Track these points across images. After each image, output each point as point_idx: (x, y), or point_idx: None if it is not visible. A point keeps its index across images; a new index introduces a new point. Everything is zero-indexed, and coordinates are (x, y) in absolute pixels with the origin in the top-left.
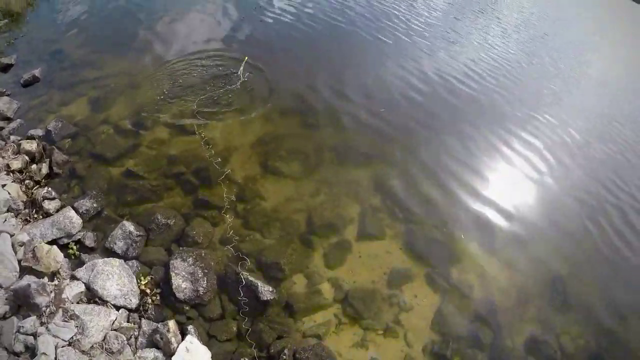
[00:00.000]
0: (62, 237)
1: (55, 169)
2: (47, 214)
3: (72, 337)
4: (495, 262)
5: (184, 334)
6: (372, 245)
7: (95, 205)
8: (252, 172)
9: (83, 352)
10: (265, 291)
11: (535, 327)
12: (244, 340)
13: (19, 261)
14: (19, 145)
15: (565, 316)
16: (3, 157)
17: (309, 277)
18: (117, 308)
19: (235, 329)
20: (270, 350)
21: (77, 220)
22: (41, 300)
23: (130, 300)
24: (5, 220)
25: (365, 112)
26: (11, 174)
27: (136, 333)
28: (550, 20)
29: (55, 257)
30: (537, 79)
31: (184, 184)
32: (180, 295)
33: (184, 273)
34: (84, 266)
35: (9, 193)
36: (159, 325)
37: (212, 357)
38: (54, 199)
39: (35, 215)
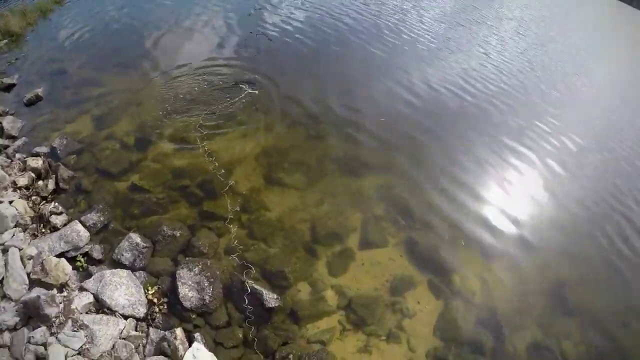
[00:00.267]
0: (69, 250)
1: (61, 185)
2: (54, 228)
3: (81, 346)
4: (497, 269)
5: (191, 341)
6: (375, 253)
7: (101, 218)
8: (256, 184)
9: None
10: (270, 299)
11: (537, 333)
12: (249, 347)
13: (28, 274)
14: (24, 162)
15: (567, 322)
16: (9, 175)
17: (313, 284)
18: (125, 317)
19: (241, 336)
20: (276, 356)
21: (85, 233)
22: (51, 311)
23: (138, 309)
24: (14, 235)
25: (366, 122)
26: (18, 191)
27: (144, 341)
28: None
29: (63, 270)
30: (537, 86)
31: (189, 196)
32: (187, 304)
33: (190, 282)
34: (92, 277)
35: (16, 209)
36: (166, 334)
37: None
38: (61, 213)
39: (43, 230)
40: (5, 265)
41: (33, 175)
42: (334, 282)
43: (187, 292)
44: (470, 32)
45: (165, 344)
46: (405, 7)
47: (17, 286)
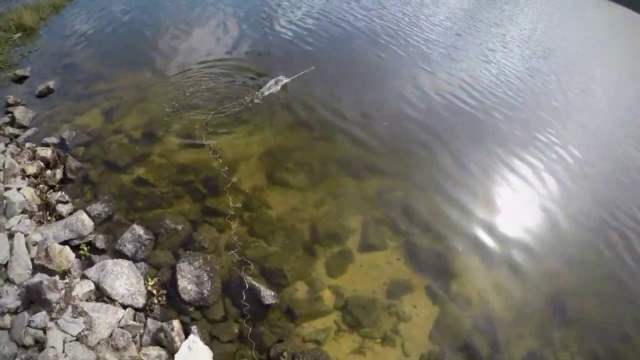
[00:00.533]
0: (74, 239)
1: (69, 175)
2: (60, 217)
3: (80, 333)
4: (496, 277)
5: (187, 333)
6: (373, 256)
7: (106, 209)
8: (259, 182)
9: (90, 347)
10: (268, 295)
11: (534, 343)
12: (245, 342)
13: (32, 260)
14: (34, 151)
15: (565, 332)
16: (19, 163)
17: (310, 284)
18: (125, 307)
19: (237, 331)
20: (270, 352)
21: (89, 223)
22: (52, 296)
23: (137, 299)
24: (20, 221)
25: (370, 126)
26: (26, 179)
27: (142, 331)
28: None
29: (67, 257)
30: (537, 96)
31: (192, 191)
32: (185, 297)
33: (189, 276)
34: (94, 266)
35: (24, 196)
36: (163, 324)
37: (213, 357)
38: (67, 202)
39: (49, 218)
40: (11, 249)
41: (42, 164)
42: (331, 283)
43: (187, 285)
44: (474, 41)
45: (162, 334)
46: (408, 13)
47: (20, 270)
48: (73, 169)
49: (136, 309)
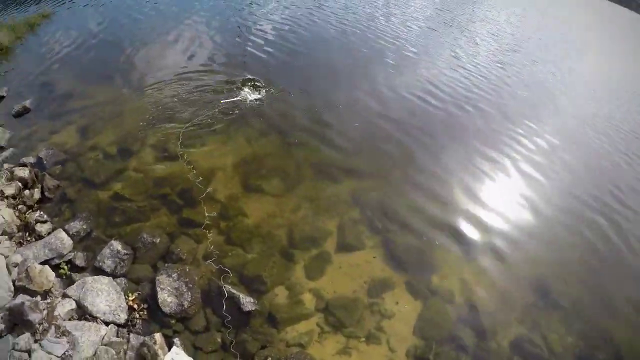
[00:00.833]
0: (54, 258)
1: (47, 194)
2: (39, 236)
3: (64, 353)
4: (476, 268)
5: (170, 346)
6: (352, 256)
7: (85, 226)
8: (234, 191)
9: None
10: (247, 302)
11: (521, 328)
12: (228, 351)
13: (13, 281)
14: (12, 172)
15: (551, 316)
16: None
17: (290, 288)
18: (107, 323)
19: (219, 340)
20: (255, 359)
21: (68, 241)
22: (34, 317)
23: (119, 315)
24: (0, 242)
25: (341, 129)
26: (5, 200)
27: (125, 347)
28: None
29: (47, 277)
30: (510, 87)
31: (169, 204)
32: (166, 310)
33: (169, 288)
34: (75, 284)
35: (3, 217)
36: (146, 339)
37: None
38: (45, 222)
39: (29, 238)
40: None
41: (20, 184)
42: (311, 286)
43: (167, 298)
44: (445, 38)
45: (145, 349)
46: (378, 15)
47: (2, 293)
48: (51, 188)
49: (118, 325)
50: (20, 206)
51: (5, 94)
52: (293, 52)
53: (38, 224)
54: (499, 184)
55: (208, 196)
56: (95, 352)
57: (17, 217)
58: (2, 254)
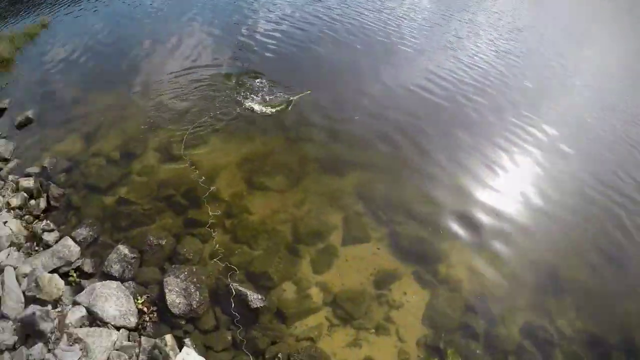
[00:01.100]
0: (62, 266)
1: (52, 203)
2: (47, 245)
3: None
4: (483, 256)
5: (181, 347)
6: (357, 248)
7: (91, 233)
8: (238, 189)
9: None
10: (255, 299)
11: (530, 314)
12: (239, 349)
13: (24, 292)
14: (17, 183)
15: (560, 301)
16: (3, 196)
17: (297, 283)
18: (118, 328)
19: (230, 338)
20: (266, 356)
21: (75, 248)
22: (46, 326)
23: (129, 319)
24: (9, 254)
25: (343, 123)
26: (12, 211)
27: (137, 350)
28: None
29: (56, 285)
30: (508, 78)
31: (173, 205)
32: (175, 311)
33: (177, 289)
34: (84, 291)
35: (10, 229)
36: (157, 341)
37: None
38: (52, 230)
39: (37, 248)
40: (2, 284)
41: (25, 195)
42: (318, 280)
43: (175, 299)
44: (442, 29)
45: (156, 351)
46: (374, 8)
47: (13, 304)
48: (56, 196)
49: (129, 329)
50: (26, 216)
51: (7, 106)
52: (290, 47)
53: (45, 233)
54: (504, 172)
55: (212, 195)
56: (108, 358)
57: (24, 227)
58: (11, 266)
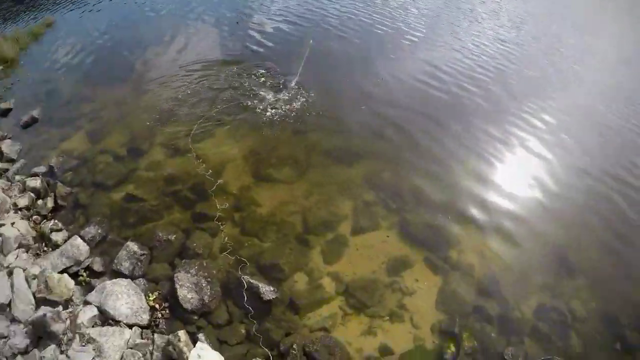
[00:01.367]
0: (72, 266)
1: (60, 202)
2: (55, 245)
3: None
4: (494, 240)
5: (195, 342)
6: (368, 237)
7: (100, 231)
8: (245, 182)
9: None
10: (267, 291)
11: (543, 296)
12: (254, 342)
13: (34, 294)
14: (24, 183)
15: (572, 282)
16: (10, 197)
17: (309, 274)
18: (130, 326)
19: (244, 331)
20: (280, 347)
21: (84, 247)
22: (57, 327)
23: (141, 317)
24: (17, 256)
25: (349, 113)
26: (19, 212)
27: (151, 348)
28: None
29: (66, 285)
30: (513, 66)
31: (181, 200)
32: (187, 306)
33: (188, 284)
34: (95, 290)
35: (18, 230)
36: (170, 337)
37: None
38: (60, 230)
39: (45, 248)
40: (12, 287)
41: (33, 195)
42: (330, 269)
43: (187, 294)
44: (446, 19)
45: (170, 347)
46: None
47: (24, 307)
48: (63, 195)
49: (142, 327)
50: (34, 217)
51: (12, 106)
52: (294, 39)
53: (53, 233)
54: (511, 160)
55: (219, 188)
56: (122, 357)
57: (32, 228)
58: (20, 267)
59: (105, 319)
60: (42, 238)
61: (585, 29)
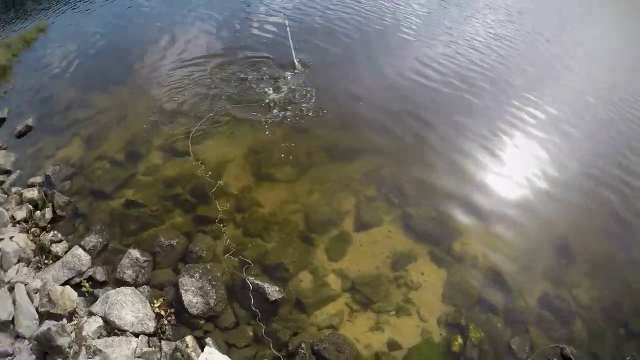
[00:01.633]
0: (74, 277)
1: (58, 212)
2: (56, 257)
3: None
4: (496, 232)
5: (203, 347)
6: (371, 233)
7: (100, 240)
8: (246, 182)
9: None
10: (273, 292)
11: (547, 285)
12: (262, 343)
13: (37, 308)
14: (20, 195)
15: (575, 271)
16: (7, 210)
17: (313, 272)
18: (136, 335)
19: (251, 333)
20: (289, 347)
21: (85, 257)
22: (63, 341)
23: (147, 324)
24: (18, 271)
25: (347, 109)
26: (17, 225)
27: (158, 355)
28: None
29: (70, 297)
30: (511, 61)
31: (182, 204)
32: (193, 311)
33: (193, 288)
34: (98, 300)
35: (17, 244)
36: (177, 343)
37: None
38: (60, 241)
39: (46, 261)
40: (14, 302)
41: (30, 206)
42: (334, 267)
43: (192, 299)
44: (439, 14)
45: (178, 354)
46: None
47: (27, 322)
48: (61, 205)
49: (148, 335)
50: (33, 229)
51: (6, 116)
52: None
53: (53, 245)
54: (513, 150)
55: (220, 190)
56: None
57: (32, 240)
58: (21, 282)
59: (110, 329)
60: (42, 250)
61: (586, 22)
